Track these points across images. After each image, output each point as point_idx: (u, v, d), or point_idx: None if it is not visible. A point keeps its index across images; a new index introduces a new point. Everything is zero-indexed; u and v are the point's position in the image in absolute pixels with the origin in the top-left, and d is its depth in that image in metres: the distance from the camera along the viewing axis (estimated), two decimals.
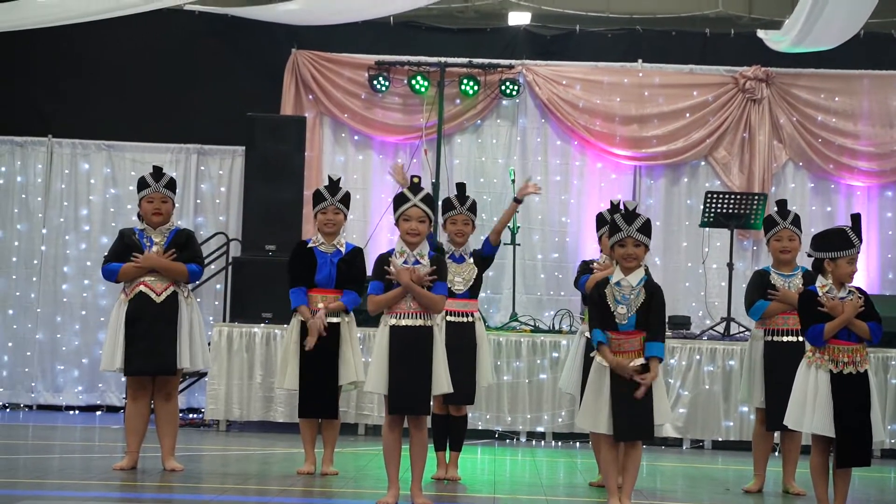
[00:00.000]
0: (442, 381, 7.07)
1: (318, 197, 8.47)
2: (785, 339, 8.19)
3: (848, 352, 6.89)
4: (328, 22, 13.64)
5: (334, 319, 8.26)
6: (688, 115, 13.78)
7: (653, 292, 6.96)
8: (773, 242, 8.35)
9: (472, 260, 8.41)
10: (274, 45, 13.87)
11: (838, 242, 6.99)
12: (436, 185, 13.21)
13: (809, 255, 7.14)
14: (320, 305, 8.26)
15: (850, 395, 6.83)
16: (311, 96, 13.87)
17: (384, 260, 7.10)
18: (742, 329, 11.72)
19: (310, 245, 8.41)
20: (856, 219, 7.13)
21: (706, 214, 12.33)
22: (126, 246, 8.24)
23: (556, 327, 12.38)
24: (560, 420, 11.41)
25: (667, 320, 12.13)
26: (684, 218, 13.80)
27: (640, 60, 13.94)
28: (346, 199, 8.49)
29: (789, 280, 8.27)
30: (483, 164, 13.98)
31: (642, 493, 7.90)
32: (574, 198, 13.93)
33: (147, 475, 8.05)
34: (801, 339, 7.99)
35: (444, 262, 7.26)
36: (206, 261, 11.26)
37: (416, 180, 7.26)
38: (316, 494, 7.64)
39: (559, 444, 11.43)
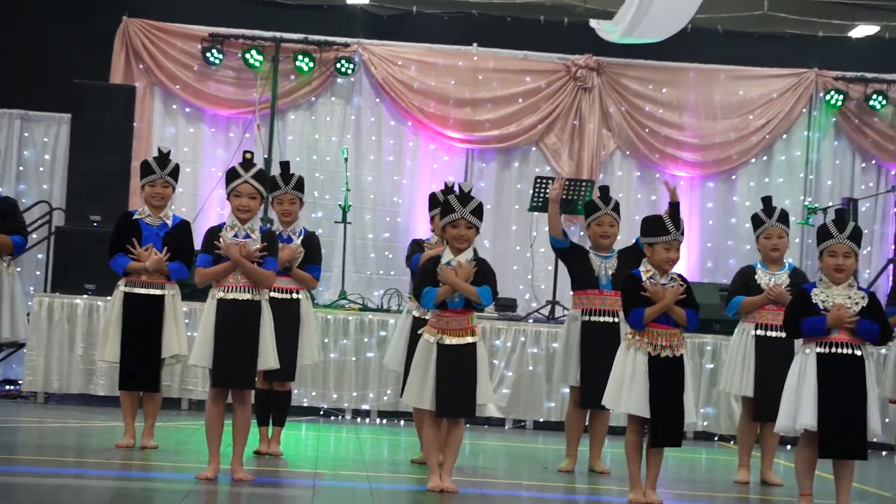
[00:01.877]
0: (268, 356, 7.08)
1: (146, 169, 8.33)
2: (601, 319, 8.39)
3: (666, 336, 7.10)
4: None
5: (157, 292, 8.15)
6: (520, 100, 13.97)
7: (479, 266, 7.09)
8: (593, 227, 8.53)
9: (300, 240, 8.36)
10: (104, 12, 13.54)
11: (654, 229, 7.19)
12: (268, 161, 13.12)
13: (639, 241, 7.34)
14: (143, 277, 8.13)
15: (666, 377, 7.04)
16: (141, 66, 13.61)
17: (214, 233, 7.08)
18: (566, 312, 11.94)
19: (135, 217, 8.28)
20: (674, 206, 7.35)
21: (535, 199, 12.53)
22: None
23: (385, 306, 12.44)
24: (385, 398, 11.48)
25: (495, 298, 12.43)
26: (514, 202, 14.00)
27: (475, 44, 14.06)
28: (175, 173, 8.38)
29: (606, 262, 8.46)
30: (317, 141, 13.94)
31: (463, 471, 8.02)
32: (406, 178, 14.00)
33: None
34: (616, 320, 8.24)
35: (275, 237, 7.27)
36: (29, 230, 10.99)
37: (248, 156, 7.23)
38: (135, 468, 7.55)
39: (384, 421, 11.50)
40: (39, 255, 13.05)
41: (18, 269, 8.54)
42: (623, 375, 7.12)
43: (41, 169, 13.57)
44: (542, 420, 11.58)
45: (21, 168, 13.53)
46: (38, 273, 13.13)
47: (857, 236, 7.13)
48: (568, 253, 8.61)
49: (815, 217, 12.86)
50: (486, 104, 13.97)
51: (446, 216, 7.17)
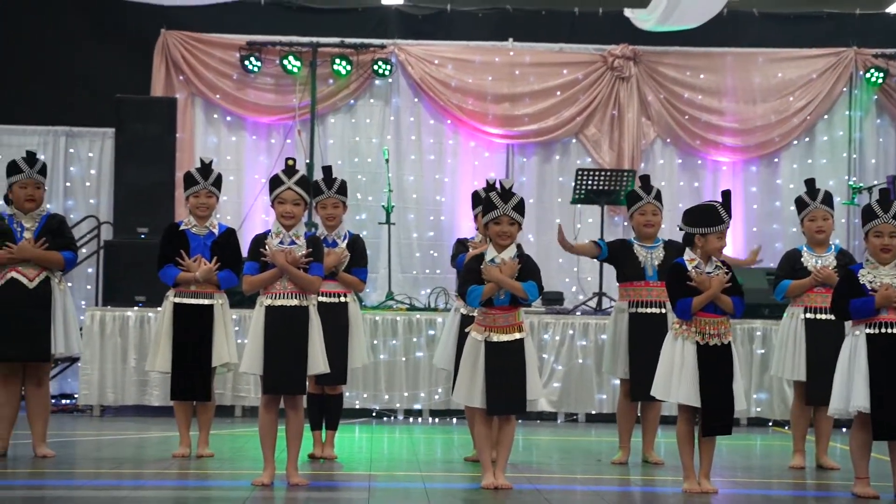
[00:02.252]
0: (318, 361, 7.13)
1: (189, 180, 8.41)
2: (648, 310, 8.39)
3: (713, 324, 7.10)
4: (198, 3, 13.47)
5: (207, 301, 8.23)
6: (558, 93, 13.97)
7: (524, 261, 7.11)
8: (636, 216, 8.54)
9: (345, 243, 8.39)
10: (142, 26, 13.68)
11: (709, 218, 7.17)
12: (310, 166, 13.19)
13: (681, 229, 7.31)
14: (193, 288, 8.21)
15: (715, 366, 7.03)
16: (181, 77, 13.73)
17: (260, 241, 7.14)
18: (613, 303, 11.93)
19: (182, 227, 8.36)
20: (726, 195, 7.33)
21: (577, 191, 12.53)
22: None
23: (432, 305, 12.49)
24: (437, 397, 11.51)
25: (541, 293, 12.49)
26: (556, 195, 14.00)
27: (510, 39, 14.07)
28: (218, 182, 8.45)
29: (651, 252, 8.48)
30: (357, 143, 14.00)
31: (517, 467, 8.04)
32: (448, 176, 14.03)
33: (18, 462, 7.95)
34: (664, 311, 8.22)
35: (320, 243, 7.32)
36: (78, 244, 11.13)
37: (290, 163, 7.28)
38: (191, 476, 7.64)
39: (436, 420, 11.54)
40: (89, 270, 13.20)
41: (70, 284, 8.66)
42: (672, 365, 7.12)
43: (87, 184, 13.73)
44: (594, 412, 11.58)
45: (68, 184, 13.69)
46: (88, 287, 13.28)
47: None
48: (612, 257, 8.62)
49: (860, 197, 12.78)
50: (524, 98, 13.98)
51: (488, 213, 7.19)
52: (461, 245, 8.57)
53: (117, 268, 11.83)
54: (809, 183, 8.62)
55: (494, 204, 7.16)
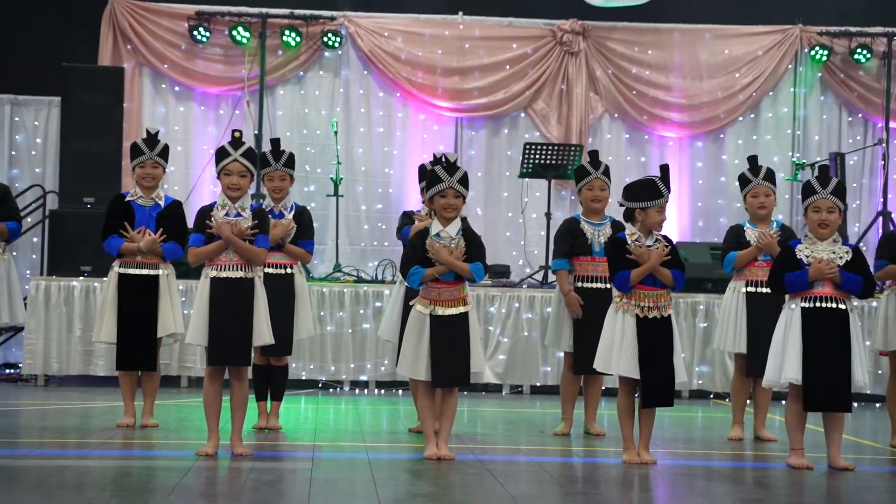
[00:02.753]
0: (263, 332, 7.18)
1: (135, 150, 8.41)
2: (594, 285, 8.48)
3: (653, 297, 7.21)
4: None
5: (152, 272, 8.24)
6: (507, 67, 14.00)
7: (471, 239, 7.19)
8: (584, 191, 8.61)
9: (291, 215, 8.43)
10: None
11: (648, 192, 7.28)
12: (258, 137, 13.16)
13: (621, 205, 7.41)
14: (138, 258, 8.21)
15: (655, 338, 7.15)
16: (129, 46, 13.63)
17: (206, 213, 7.17)
18: None
19: (128, 198, 8.36)
20: (664, 169, 7.44)
21: (525, 165, 12.60)
22: None
23: (379, 277, 12.53)
24: (383, 369, 11.57)
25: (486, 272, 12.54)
26: (504, 168, 14.05)
27: (460, 13, 14.07)
28: (164, 153, 8.45)
29: (599, 229, 8.55)
30: (306, 115, 13.97)
31: (461, 438, 8.12)
32: (397, 149, 14.05)
33: None
34: (609, 286, 8.30)
35: (266, 215, 7.35)
36: (23, 214, 11.09)
37: (237, 134, 7.31)
38: (136, 446, 7.66)
39: (382, 392, 11.61)
40: (35, 239, 13.12)
41: (14, 254, 8.63)
42: (612, 338, 7.23)
43: (33, 153, 13.62)
44: (538, 385, 11.68)
45: (13, 153, 13.58)
46: (34, 257, 13.20)
47: (840, 191, 7.23)
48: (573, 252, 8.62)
49: (803, 173, 12.93)
50: (473, 72, 14.00)
51: (433, 186, 7.25)
52: (407, 217, 8.61)
53: (63, 237, 11.77)
54: (752, 160, 8.73)
55: (440, 177, 7.22)
